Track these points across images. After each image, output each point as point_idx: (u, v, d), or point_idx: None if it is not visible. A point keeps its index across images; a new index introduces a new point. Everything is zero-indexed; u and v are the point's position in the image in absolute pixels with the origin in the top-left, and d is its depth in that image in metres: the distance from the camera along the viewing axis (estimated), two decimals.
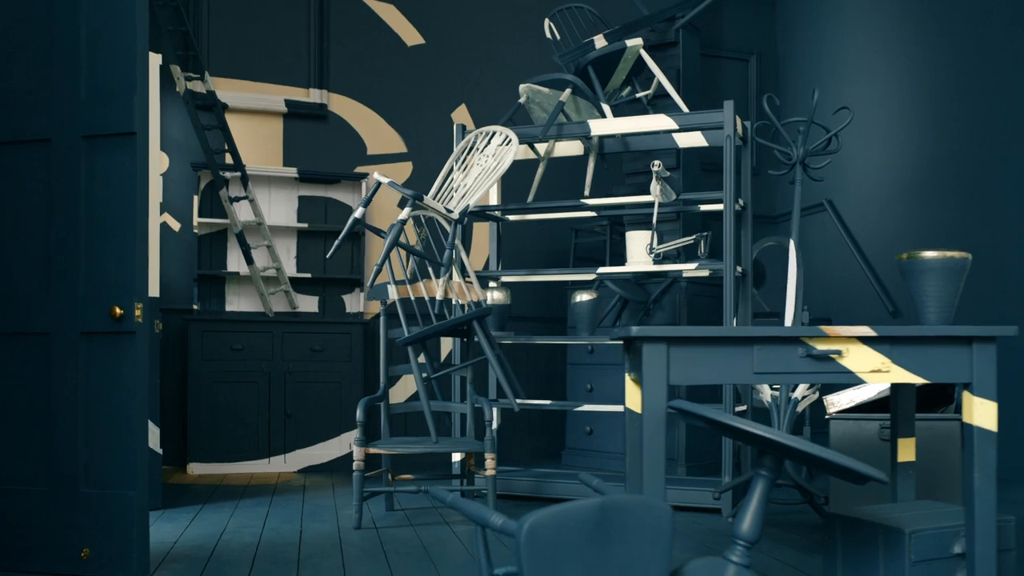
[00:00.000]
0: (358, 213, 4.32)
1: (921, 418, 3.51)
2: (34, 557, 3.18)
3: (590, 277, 4.68)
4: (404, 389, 6.07)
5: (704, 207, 4.64)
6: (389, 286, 4.41)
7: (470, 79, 6.37)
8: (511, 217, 5.14)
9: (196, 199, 5.73)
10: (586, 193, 4.80)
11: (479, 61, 6.38)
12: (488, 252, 6.47)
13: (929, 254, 2.46)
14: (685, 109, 4.71)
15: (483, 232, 6.38)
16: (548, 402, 4.71)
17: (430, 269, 4.48)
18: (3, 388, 3.25)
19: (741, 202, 4.54)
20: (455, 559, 3.41)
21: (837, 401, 3.81)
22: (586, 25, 5.69)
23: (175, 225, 5.87)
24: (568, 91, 4.61)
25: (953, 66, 5.46)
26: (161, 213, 5.84)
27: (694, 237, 4.46)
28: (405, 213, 4.21)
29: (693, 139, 4.64)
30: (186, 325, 5.53)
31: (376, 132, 6.23)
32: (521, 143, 4.76)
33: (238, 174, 5.74)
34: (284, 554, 3.48)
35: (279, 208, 6.00)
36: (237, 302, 5.88)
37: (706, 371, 2.33)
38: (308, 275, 5.88)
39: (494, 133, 4.57)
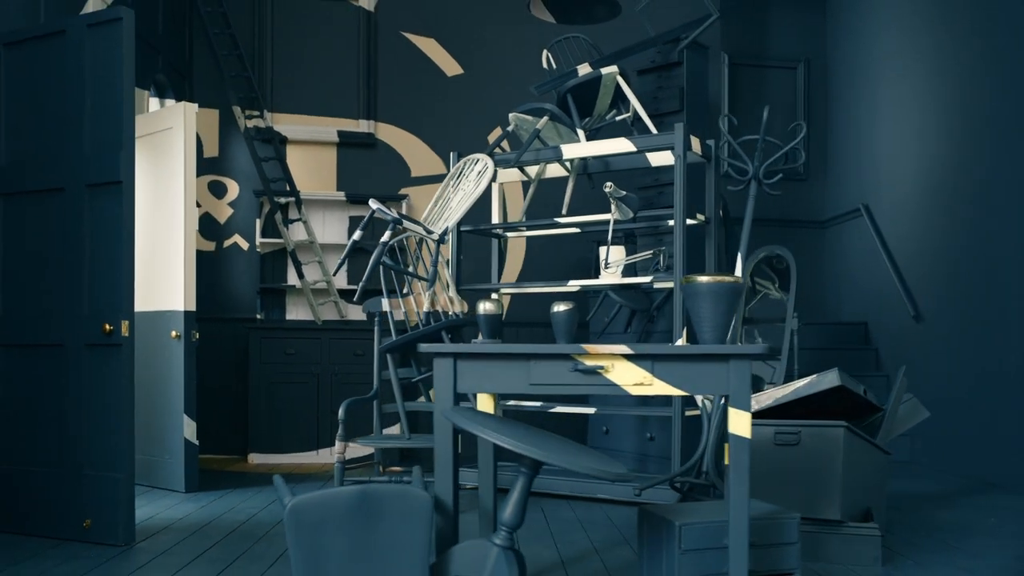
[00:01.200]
0: (356, 236, 4.92)
1: (808, 424, 3.73)
2: (50, 525, 3.97)
3: (572, 289, 5.07)
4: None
5: (690, 222, 4.94)
6: (382, 299, 4.99)
7: (505, 104, 6.84)
8: (510, 234, 5.60)
9: (259, 222, 6.53)
10: (563, 212, 5.20)
11: (512, 88, 6.85)
12: (520, 265, 6.95)
13: (702, 279, 2.77)
14: (654, 130, 5.02)
15: (517, 246, 6.87)
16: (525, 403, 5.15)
17: (420, 284, 5.02)
18: (27, 388, 4.07)
19: (701, 216, 4.81)
20: None
21: (758, 399, 4.05)
22: (581, 54, 6.05)
23: (244, 244, 6.70)
24: (545, 119, 5.04)
25: (992, 73, 5.43)
26: (231, 235, 6.69)
27: (652, 251, 4.77)
28: (387, 236, 4.77)
29: (663, 158, 4.94)
30: (248, 332, 6.32)
31: (419, 156, 6.84)
32: (507, 168, 5.21)
33: (293, 199, 6.49)
34: (257, 530, 4.13)
35: (332, 227, 6.71)
36: (296, 311, 6.65)
37: (489, 382, 2.75)
38: (355, 287, 6.56)
39: (477, 160, 5.06)
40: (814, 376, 3.86)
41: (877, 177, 6.84)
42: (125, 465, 3.84)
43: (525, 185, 6.61)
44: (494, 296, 5.51)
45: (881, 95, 6.84)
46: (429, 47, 6.87)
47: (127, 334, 3.86)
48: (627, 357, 2.69)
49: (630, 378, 2.70)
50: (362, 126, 6.78)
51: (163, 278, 5.27)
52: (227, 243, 6.66)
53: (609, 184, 4.59)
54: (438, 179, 6.84)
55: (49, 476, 3.99)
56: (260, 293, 6.53)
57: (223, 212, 6.67)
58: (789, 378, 5.77)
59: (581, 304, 6.71)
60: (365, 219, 4.96)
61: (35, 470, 4.03)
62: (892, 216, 6.62)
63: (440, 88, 6.88)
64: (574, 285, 4.97)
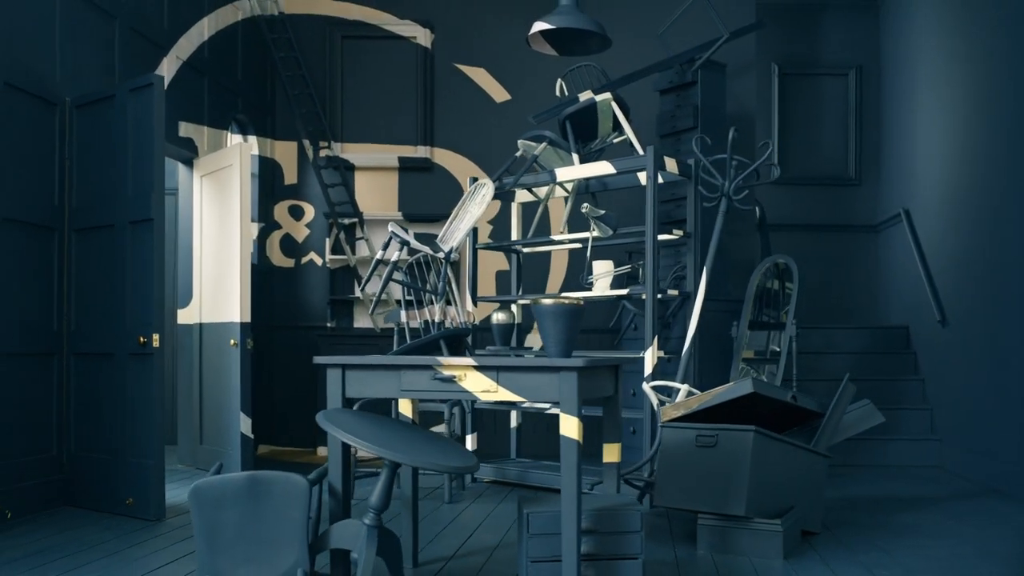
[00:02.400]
0: (379, 255, 5.58)
1: (724, 428, 4.03)
2: (104, 501, 4.85)
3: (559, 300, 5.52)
4: None
5: (666, 237, 5.30)
6: (400, 311, 5.62)
7: (548, 127, 7.34)
8: (525, 249, 6.09)
9: (328, 241, 7.34)
10: (561, 228, 5.64)
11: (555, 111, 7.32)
12: (563, 276, 7.41)
13: (546, 301, 3.22)
14: (640, 151, 5.38)
15: (560, 259, 7.34)
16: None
17: (433, 297, 5.62)
18: (91, 389, 4.97)
19: (679, 232, 5.15)
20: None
21: (687, 404, 4.37)
22: (592, 81, 6.43)
23: (318, 260, 7.52)
24: (543, 145, 5.51)
25: None
26: (307, 253, 7.53)
27: (630, 266, 5.15)
28: (395, 255, 5.40)
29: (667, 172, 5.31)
30: (317, 340, 7.13)
31: (471, 176, 7.43)
32: (504, 190, 5.72)
33: (356, 220, 7.25)
34: None
35: (393, 244, 7.41)
36: (362, 320, 7.40)
37: (370, 388, 3.31)
38: (411, 298, 7.24)
39: (484, 184, 5.60)
40: (732, 383, 4.16)
41: (918, 182, 6.84)
42: (155, 453, 4.66)
43: (555, 203, 7.06)
44: (512, 307, 6.03)
45: (925, 99, 6.83)
46: (479, 76, 7.46)
47: (157, 345, 4.68)
48: (476, 368, 3.18)
49: (479, 386, 3.18)
50: (420, 151, 7.45)
51: (226, 294, 6.12)
52: (304, 260, 7.51)
53: (586, 204, 5.02)
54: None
55: (103, 461, 4.88)
56: (330, 304, 7.33)
57: (301, 232, 7.52)
58: (787, 382, 5.97)
59: (613, 312, 7.11)
60: (386, 241, 5.61)
61: (95, 456, 4.93)
62: (928, 221, 6.62)
63: (490, 113, 7.45)
64: (564, 297, 5.41)
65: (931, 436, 6.42)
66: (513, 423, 6.06)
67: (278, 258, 7.50)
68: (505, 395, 3.16)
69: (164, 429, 4.75)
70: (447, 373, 3.22)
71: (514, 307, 6.05)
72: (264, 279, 7.43)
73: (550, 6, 7.40)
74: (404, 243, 5.41)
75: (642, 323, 6.18)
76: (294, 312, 7.47)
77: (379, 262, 5.52)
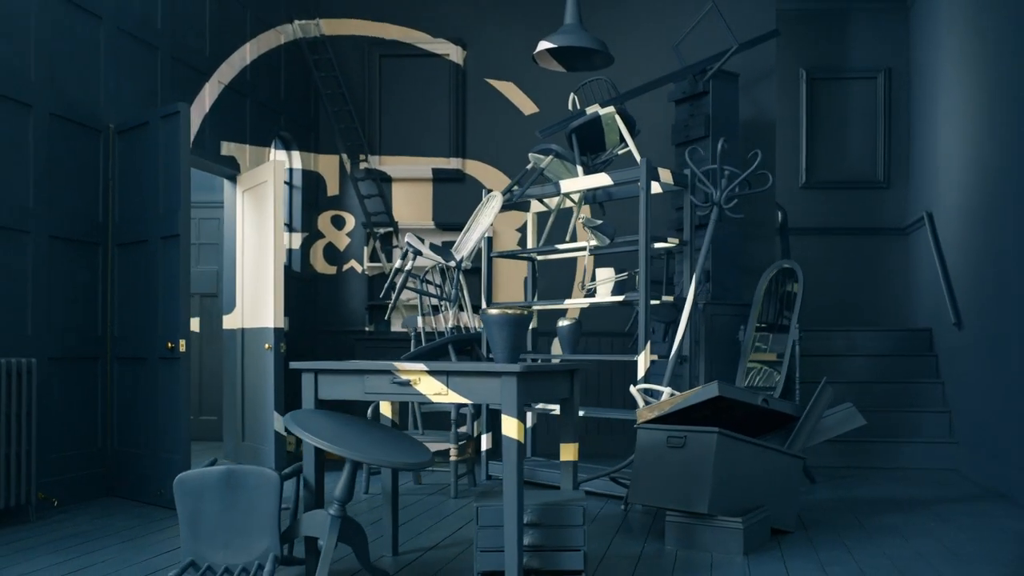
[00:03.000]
0: (398, 264, 5.94)
1: (691, 430, 4.22)
2: (143, 492, 5.32)
3: (561, 307, 5.76)
4: None
5: (661, 245, 5.49)
6: (417, 317, 5.96)
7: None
8: (539, 257, 6.35)
9: (366, 249, 7.74)
10: (566, 239, 5.88)
11: None
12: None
13: (492, 311, 3.49)
14: (638, 160, 5.58)
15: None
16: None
17: (444, 303, 5.93)
18: (131, 390, 5.45)
19: (675, 240, 5.34)
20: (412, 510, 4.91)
21: (660, 406, 4.56)
22: (603, 95, 6.62)
23: (358, 268, 7.93)
24: (549, 158, 5.77)
25: None
26: (348, 260, 7.95)
27: (627, 272, 5.36)
28: (409, 264, 5.74)
29: (654, 187, 5.51)
30: (354, 343, 7.53)
31: (500, 186, 7.73)
32: (510, 202, 6.00)
33: (391, 229, 7.63)
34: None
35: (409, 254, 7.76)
36: (398, 324, 7.77)
37: (339, 391, 3.64)
38: (435, 303, 7.57)
39: (493, 196, 5.89)
40: (700, 387, 4.34)
41: (941, 184, 6.83)
42: (181, 448, 5.10)
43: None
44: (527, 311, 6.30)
45: (951, 100, 6.81)
46: (508, 90, 7.75)
47: (183, 350, 5.12)
48: (429, 373, 3.48)
49: (432, 389, 3.48)
50: (452, 163, 7.79)
51: (263, 301, 6.57)
52: (345, 267, 7.93)
53: (583, 215, 5.26)
54: (517, 207, 7.69)
55: (139, 455, 5.35)
56: (368, 309, 7.73)
57: (342, 241, 7.94)
58: (790, 385, 6.07)
59: (627, 316, 7.30)
60: (404, 251, 5.96)
61: (132, 450, 5.41)
62: (949, 223, 6.61)
63: (518, 125, 7.74)
64: (570, 303, 5.66)
65: (948, 440, 6.43)
66: (528, 423, 6.33)
67: (321, 266, 7.94)
68: (454, 397, 3.45)
69: (190, 427, 5.18)
70: (404, 377, 3.52)
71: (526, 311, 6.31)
72: (308, 286, 7.88)
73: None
74: (416, 253, 5.75)
75: (658, 327, 6.38)
76: (336, 317, 7.90)
77: (397, 271, 5.87)
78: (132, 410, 5.45)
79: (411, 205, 7.86)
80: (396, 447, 3.48)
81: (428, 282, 6.06)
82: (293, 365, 3.70)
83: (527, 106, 7.75)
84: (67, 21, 5.22)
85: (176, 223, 5.17)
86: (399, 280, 5.71)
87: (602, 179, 5.41)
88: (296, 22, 7.67)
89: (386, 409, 4.12)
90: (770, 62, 7.10)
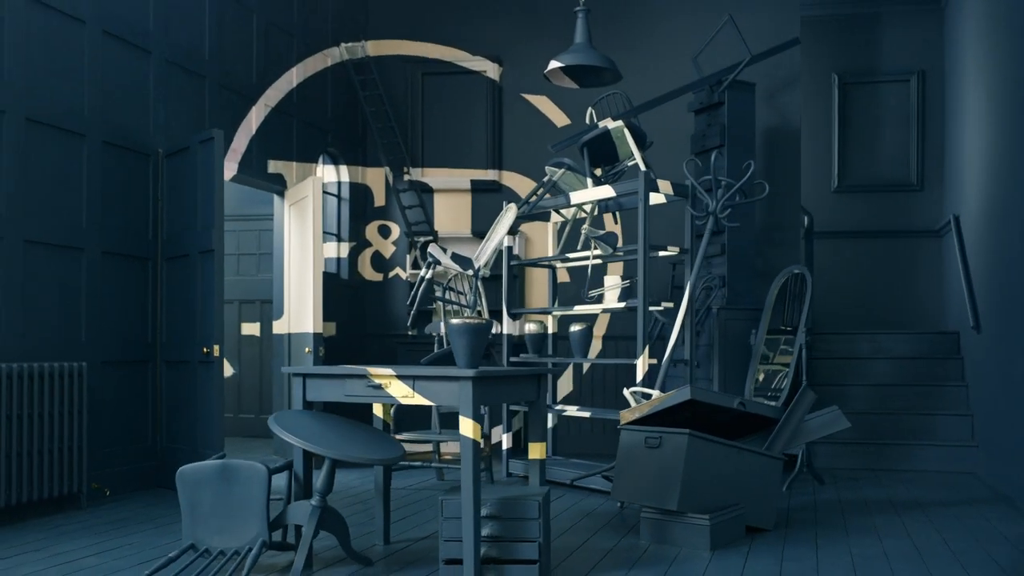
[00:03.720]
0: (423, 273, 6.31)
1: (667, 431, 4.44)
2: None
3: (571, 312, 6.03)
4: None
5: (661, 253, 5.71)
6: (440, 322, 6.33)
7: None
8: (558, 264, 6.63)
9: (408, 257, 8.16)
10: (578, 247, 6.14)
11: None
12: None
13: (455, 321, 3.80)
14: (643, 169, 5.81)
15: (616, 270, 7.79)
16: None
17: (465, 309, 6.28)
18: (174, 390, 5.98)
19: (675, 249, 5.55)
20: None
21: (640, 409, 4.79)
22: (619, 108, 6.82)
23: (403, 275, 8.36)
24: (561, 171, 6.06)
25: None
26: (393, 268, 8.39)
27: (627, 280, 5.60)
28: (429, 273, 6.11)
29: (656, 198, 5.75)
30: (397, 346, 7.95)
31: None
32: (523, 214, 6.30)
33: (431, 238, 8.03)
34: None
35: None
36: (441, 328, 8.15)
37: (324, 393, 4.03)
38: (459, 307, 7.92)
39: (508, 208, 6.21)
40: (675, 391, 4.57)
41: (967, 187, 6.81)
42: (215, 444, 5.59)
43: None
44: (548, 318, 6.59)
45: (981, 102, 6.79)
46: (542, 103, 8.05)
47: (217, 355, 5.61)
48: (397, 377, 3.83)
49: (401, 392, 3.83)
50: (489, 174, 8.13)
51: (305, 308, 7.04)
52: (391, 274, 8.37)
53: (586, 226, 5.54)
54: (544, 216, 7.99)
55: (182, 450, 5.88)
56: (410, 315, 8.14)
57: (388, 249, 8.39)
58: (796, 387, 6.19)
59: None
60: (428, 260, 6.34)
61: (176, 446, 5.94)
62: (973, 226, 6.60)
63: (552, 137, 8.03)
64: (579, 309, 5.94)
65: (970, 443, 6.43)
66: (550, 423, 6.61)
67: (369, 273, 8.40)
68: (420, 399, 3.79)
69: (223, 424, 5.67)
70: (376, 381, 3.88)
71: (549, 318, 6.60)
72: (356, 293, 8.35)
73: (601, 39, 7.88)
74: (435, 262, 6.12)
75: (669, 331, 6.58)
76: (382, 322, 8.34)
77: (421, 279, 6.25)
78: (177, 409, 5.98)
79: (451, 215, 8.24)
80: (369, 445, 3.84)
81: (451, 289, 6.42)
82: (284, 370, 4.11)
83: (560, 118, 8.04)
84: (118, 57, 5.78)
85: (211, 238, 5.67)
86: (420, 288, 6.09)
87: (605, 191, 5.67)
88: (343, 45, 8.15)
89: (378, 410, 4.49)
90: (794, 70, 7.20)
